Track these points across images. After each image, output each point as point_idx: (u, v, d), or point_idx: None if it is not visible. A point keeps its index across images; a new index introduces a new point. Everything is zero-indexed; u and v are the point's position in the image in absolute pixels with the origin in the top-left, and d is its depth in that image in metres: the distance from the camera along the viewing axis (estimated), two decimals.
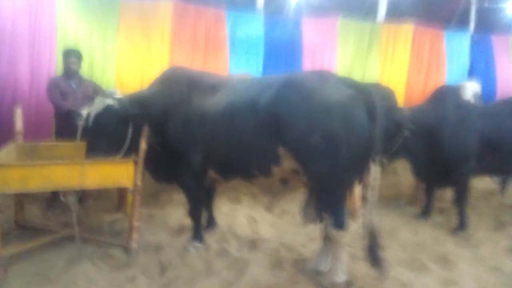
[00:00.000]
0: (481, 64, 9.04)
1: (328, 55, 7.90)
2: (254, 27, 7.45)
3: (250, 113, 3.30)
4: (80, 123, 4.22)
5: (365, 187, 3.44)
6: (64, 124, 4.76)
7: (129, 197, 3.77)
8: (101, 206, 5.11)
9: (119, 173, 3.66)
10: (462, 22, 9.54)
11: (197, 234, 4.00)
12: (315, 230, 4.51)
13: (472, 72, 8.90)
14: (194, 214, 3.99)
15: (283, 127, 3.11)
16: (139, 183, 3.72)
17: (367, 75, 8.03)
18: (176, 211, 5.05)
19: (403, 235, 4.55)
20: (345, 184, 3.12)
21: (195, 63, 6.96)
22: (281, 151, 3.19)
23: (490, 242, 4.33)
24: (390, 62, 8.25)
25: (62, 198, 3.46)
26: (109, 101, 3.77)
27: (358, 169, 3.09)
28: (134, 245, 3.76)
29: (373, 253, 3.13)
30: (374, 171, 3.05)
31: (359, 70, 8.04)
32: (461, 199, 4.59)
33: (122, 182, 3.70)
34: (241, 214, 4.96)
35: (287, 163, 3.24)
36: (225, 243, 4.12)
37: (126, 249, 3.77)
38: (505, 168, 4.70)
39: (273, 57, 7.56)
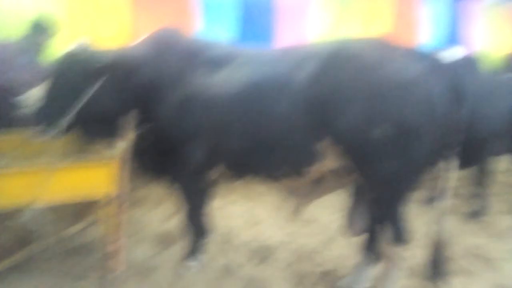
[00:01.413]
0: (458, 28, 8.76)
1: (306, 16, 7.09)
2: None
3: (281, 95, 2.46)
4: (23, 108, 3.18)
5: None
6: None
7: (110, 209, 2.80)
8: (55, 210, 4.02)
9: (98, 179, 2.68)
10: None
11: (195, 247, 3.14)
12: (326, 229, 3.90)
13: (450, 37, 8.60)
14: (193, 221, 3.11)
15: (331, 114, 2.32)
16: (123, 190, 2.77)
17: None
18: (156, 212, 4.14)
19: (418, 225, 4.01)
20: (413, 187, 2.44)
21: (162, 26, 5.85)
22: (326, 144, 2.42)
23: None
24: (372, 26, 7.61)
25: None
26: (80, 46, 2.76)
27: (433, 166, 2.42)
28: (117, 273, 2.85)
29: (436, 268, 2.51)
30: (452, 167, 2.38)
31: (340, 32, 7.33)
32: (484, 182, 4.16)
33: (101, 191, 2.73)
34: (234, 213, 4.16)
35: (332, 160, 2.48)
36: (226, 256, 3.32)
37: (107, 279, 2.85)
38: None
39: (247, 20, 6.64)
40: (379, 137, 2.22)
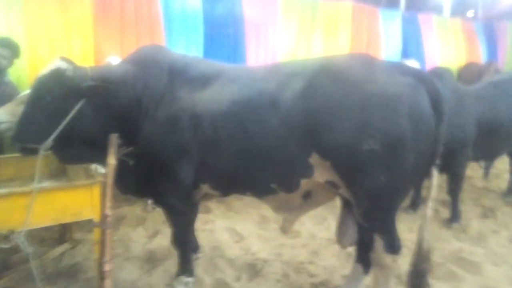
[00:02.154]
0: (411, 43, 9.10)
1: (272, 33, 7.23)
2: (191, 1, 6.47)
3: (269, 112, 2.47)
4: None
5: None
6: None
7: (96, 232, 2.74)
8: (34, 234, 3.87)
9: (80, 202, 2.64)
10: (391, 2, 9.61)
11: (185, 266, 3.08)
12: (312, 240, 3.94)
13: (404, 51, 8.92)
14: (181, 240, 3.05)
15: (319, 130, 2.35)
16: (108, 212, 2.70)
17: (312, 54, 7.53)
18: (135, 232, 4.05)
19: (400, 233, 4.12)
20: (402, 198, 2.50)
21: (126, 44, 5.81)
22: (315, 159, 2.44)
23: (491, 233, 4.11)
24: (333, 41, 7.86)
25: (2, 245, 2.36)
26: (63, 64, 2.64)
27: (419, 178, 2.48)
28: None
29: (419, 278, 2.55)
30: (434, 178, 2.46)
31: (304, 49, 7.51)
32: (456, 189, 4.30)
33: (84, 214, 2.68)
34: (219, 228, 4.13)
35: (321, 175, 2.50)
36: (217, 272, 3.30)
37: None
38: (496, 152, 4.52)
39: (214, 35, 6.68)
40: (366, 152, 2.26)
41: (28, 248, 2.35)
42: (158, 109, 2.70)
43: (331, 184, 2.54)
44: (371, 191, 2.37)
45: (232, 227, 4.17)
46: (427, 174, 2.49)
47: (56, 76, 2.61)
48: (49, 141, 2.55)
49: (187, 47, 6.38)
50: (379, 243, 2.50)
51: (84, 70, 2.69)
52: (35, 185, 2.40)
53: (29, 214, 2.34)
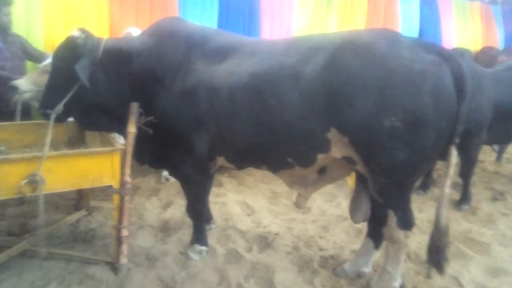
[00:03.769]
0: (429, 25, 8.95)
1: (288, 11, 7.15)
2: None
3: (289, 85, 2.48)
4: (18, 97, 3.24)
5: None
6: None
7: (115, 198, 2.80)
8: (49, 201, 3.97)
9: (101, 168, 2.68)
10: None
11: (199, 235, 3.16)
12: (322, 216, 4.00)
13: (421, 33, 8.79)
14: (196, 210, 3.13)
15: (340, 104, 2.34)
16: (128, 179, 2.77)
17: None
18: (150, 202, 4.13)
19: None
20: (419, 175, 2.52)
21: (141, 18, 5.82)
22: (333, 135, 2.46)
23: (501, 215, 4.14)
24: (348, 21, 7.77)
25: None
26: (76, 33, 2.73)
27: (437, 156, 2.49)
28: (123, 260, 2.85)
29: (438, 254, 2.59)
30: (453, 156, 2.46)
31: (319, 28, 7.44)
32: (468, 172, 4.31)
33: (105, 180, 2.73)
34: (231, 201, 4.20)
35: (338, 150, 2.51)
36: (230, 242, 3.37)
37: (113, 266, 2.85)
38: (511, 137, 4.50)
39: (229, 12, 6.63)
40: (387, 128, 2.26)
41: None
42: (175, 81, 2.73)
43: (348, 160, 2.55)
44: (389, 168, 2.38)
45: (244, 201, 4.23)
46: (444, 154, 2.49)
47: (68, 44, 2.72)
48: (59, 107, 2.69)
49: (201, 22, 6.35)
50: (392, 219, 2.52)
51: (97, 40, 2.75)
52: (46, 148, 2.45)
53: (41, 164, 2.40)
